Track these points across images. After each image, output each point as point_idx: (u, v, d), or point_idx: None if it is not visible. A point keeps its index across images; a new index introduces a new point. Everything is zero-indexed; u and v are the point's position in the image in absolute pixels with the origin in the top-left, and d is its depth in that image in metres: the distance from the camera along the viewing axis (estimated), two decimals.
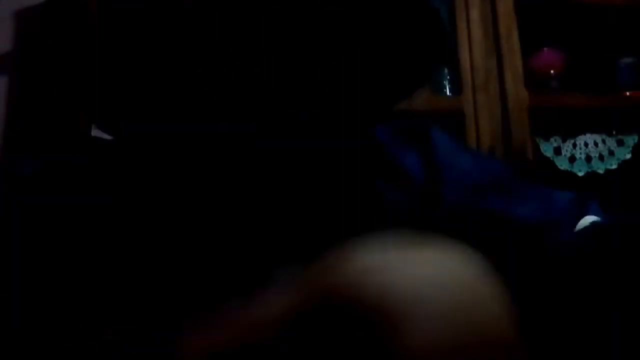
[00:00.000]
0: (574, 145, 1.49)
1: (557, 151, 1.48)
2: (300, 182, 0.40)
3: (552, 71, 1.48)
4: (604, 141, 1.50)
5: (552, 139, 1.49)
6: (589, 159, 1.48)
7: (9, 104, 1.30)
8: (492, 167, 0.48)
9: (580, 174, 1.46)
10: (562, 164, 1.47)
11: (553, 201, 0.46)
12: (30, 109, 1.29)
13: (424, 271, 0.23)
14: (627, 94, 1.46)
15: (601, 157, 1.49)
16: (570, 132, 1.49)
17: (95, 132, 1.12)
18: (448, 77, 1.41)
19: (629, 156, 1.49)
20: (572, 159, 1.48)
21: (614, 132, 1.50)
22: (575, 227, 0.43)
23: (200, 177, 0.41)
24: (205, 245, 0.38)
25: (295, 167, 0.40)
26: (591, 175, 1.47)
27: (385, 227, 0.41)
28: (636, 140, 1.50)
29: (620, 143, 1.50)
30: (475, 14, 1.38)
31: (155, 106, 0.46)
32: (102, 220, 0.39)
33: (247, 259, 0.37)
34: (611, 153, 1.49)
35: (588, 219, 0.43)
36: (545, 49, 1.50)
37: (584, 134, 1.49)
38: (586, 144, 1.49)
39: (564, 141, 1.49)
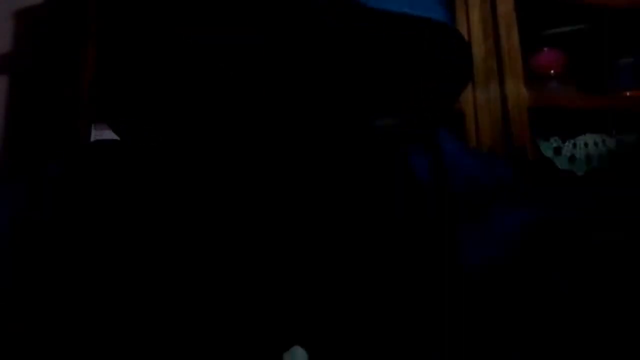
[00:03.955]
0: (574, 145, 1.49)
1: (557, 151, 1.48)
2: (328, 179, 0.41)
3: (552, 71, 1.48)
4: (604, 141, 1.50)
5: (552, 139, 1.49)
6: (589, 159, 1.48)
7: (9, 104, 1.30)
8: (496, 171, 0.49)
9: (580, 174, 1.46)
10: (562, 164, 1.47)
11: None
12: (30, 109, 1.29)
13: None
14: (627, 94, 1.46)
15: (601, 157, 1.49)
16: (570, 132, 1.49)
17: (95, 134, 1.12)
18: None
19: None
20: (572, 159, 1.48)
21: (614, 132, 1.50)
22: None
23: (213, 177, 0.41)
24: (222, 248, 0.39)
25: (324, 167, 0.41)
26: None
27: (397, 220, 0.42)
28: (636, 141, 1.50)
29: (620, 143, 1.50)
30: (475, 14, 1.38)
31: (155, 105, 0.46)
32: (122, 219, 0.40)
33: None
34: (611, 153, 1.49)
35: None
36: (545, 49, 1.49)
37: (584, 134, 1.49)
38: (586, 144, 1.49)
39: (564, 141, 1.49)
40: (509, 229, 0.43)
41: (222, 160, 0.42)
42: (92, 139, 1.11)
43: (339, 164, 0.43)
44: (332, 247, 0.39)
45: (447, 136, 0.49)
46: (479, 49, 1.36)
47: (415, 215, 0.43)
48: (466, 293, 0.40)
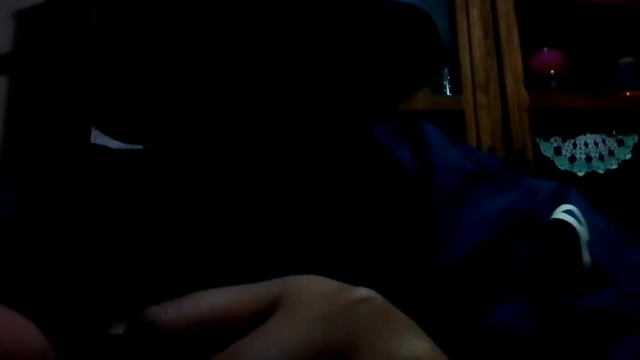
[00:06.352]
0: (574, 146, 1.49)
1: (557, 151, 1.48)
2: (309, 175, 0.42)
3: (552, 71, 1.48)
4: (604, 141, 1.50)
5: (552, 139, 1.49)
6: (589, 159, 1.48)
7: (9, 104, 1.30)
8: (481, 159, 0.49)
9: (581, 174, 1.46)
10: (562, 164, 1.47)
11: (536, 191, 0.47)
12: (30, 109, 1.29)
13: None
14: (627, 94, 1.46)
15: (601, 157, 1.49)
16: (570, 132, 1.49)
17: (95, 134, 1.12)
18: (448, 77, 1.41)
19: (629, 156, 1.49)
20: (572, 159, 1.48)
21: (614, 132, 1.50)
22: (552, 214, 0.45)
23: (204, 179, 0.41)
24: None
25: (303, 163, 0.42)
26: (591, 175, 1.47)
27: (383, 210, 0.43)
28: (636, 141, 1.50)
29: (620, 143, 1.50)
30: (475, 14, 1.38)
31: (154, 106, 0.46)
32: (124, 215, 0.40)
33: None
34: (611, 153, 1.49)
35: (563, 207, 0.45)
36: (545, 49, 1.50)
37: (584, 134, 1.49)
38: (586, 144, 1.49)
39: (564, 141, 1.49)
40: (496, 211, 0.44)
41: (218, 159, 0.42)
42: (92, 139, 1.11)
43: (327, 159, 0.43)
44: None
45: (431, 128, 0.49)
46: (479, 49, 1.36)
47: (404, 203, 0.44)
48: (456, 277, 0.40)
